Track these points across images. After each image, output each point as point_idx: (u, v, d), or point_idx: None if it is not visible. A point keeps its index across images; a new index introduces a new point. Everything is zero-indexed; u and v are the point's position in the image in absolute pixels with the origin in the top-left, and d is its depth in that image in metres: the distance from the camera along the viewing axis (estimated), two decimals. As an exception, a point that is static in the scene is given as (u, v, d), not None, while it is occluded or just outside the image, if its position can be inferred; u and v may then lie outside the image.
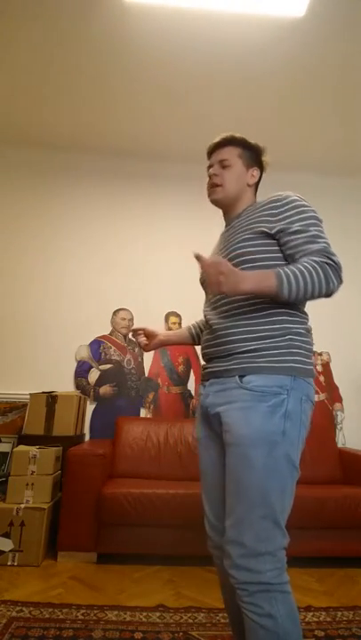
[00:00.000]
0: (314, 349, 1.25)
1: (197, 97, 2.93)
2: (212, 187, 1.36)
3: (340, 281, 1.16)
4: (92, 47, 2.55)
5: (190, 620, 1.76)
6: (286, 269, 1.12)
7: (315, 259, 1.14)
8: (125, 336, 3.41)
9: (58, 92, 2.94)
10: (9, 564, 2.24)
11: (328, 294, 1.16)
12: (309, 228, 1.18)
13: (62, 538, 2.33)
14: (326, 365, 3.50)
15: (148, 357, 3.40)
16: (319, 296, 1.15)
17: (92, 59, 2.64)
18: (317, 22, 2.32)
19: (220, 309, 1.25)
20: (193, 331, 1.56)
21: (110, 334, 3.40)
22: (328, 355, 3.52)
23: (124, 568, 2.27)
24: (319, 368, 3.49)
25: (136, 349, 3.40)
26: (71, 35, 2.47)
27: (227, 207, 1.40)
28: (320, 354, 3.50)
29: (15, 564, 2.24)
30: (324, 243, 1.17)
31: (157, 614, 1.80)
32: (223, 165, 1.36)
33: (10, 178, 3.56)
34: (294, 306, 1.21)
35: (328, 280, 1.13)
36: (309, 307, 1.26)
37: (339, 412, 3.44)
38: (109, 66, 2.69)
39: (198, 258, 1.14)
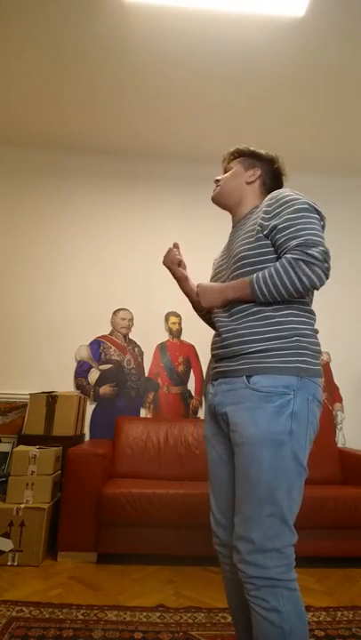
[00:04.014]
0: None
1: (197, 97, 2.93)
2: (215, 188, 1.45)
3: (319, 273, 1.13)
4: (93, 47, 2.55)
5: (190, 620, 1.76)
6: (260, 274, 1.18)
7: (288, 256, 1.14)
8: (125, 336, 3.41)
9: (58, 93, 2.94)
10: (9, 564, 2.24)
11: (309, 288, 1.15)
12: (295, 221, 1.18)
13: (62, 538, 2.33)
14: (326, 365, 3.50)
15: (148, 357, 3.40)
16: (299, 292, 1.15)
17: (93, 59, 2.64)
18: (317, 22, 2.32)
19: (230, 311, 1.26)
20: None
21: (110, 334, 3.40)
22: (328, 355, 3.52)
23: (124, 568, 2.28)
24: (319, 368, 3.48)
25: (136, 349, 3.40)
26: (72, 35, 2.46)
27: (229, 207, 1.44)
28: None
29: (15, 563, 2.24)
30: (306, 235, 1.15)
31: (157, 614, 1.80)
32: (226, 172, 1.47)
33: (10, 179, 3.56)
34: (301, 306, 1.21)
35: (301, 276, 1.12)
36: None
37: (339, 412, 3.44)
38: (109, 66, 2.69)
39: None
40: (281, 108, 2.99)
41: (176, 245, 1.50)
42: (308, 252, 1.12)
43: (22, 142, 3.51)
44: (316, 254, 1.12)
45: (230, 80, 2.77)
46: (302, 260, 1.12)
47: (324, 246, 1.14)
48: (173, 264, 1.48)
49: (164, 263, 1.50)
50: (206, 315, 1.53)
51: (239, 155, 1.45)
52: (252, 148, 1.44)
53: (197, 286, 1.33)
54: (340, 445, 3.28)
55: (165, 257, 1.50)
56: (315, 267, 1.12)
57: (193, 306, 1.54)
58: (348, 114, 3.03)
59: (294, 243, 1.15)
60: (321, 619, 1.82)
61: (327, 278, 1.15)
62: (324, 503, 2.38)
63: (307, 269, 1.12)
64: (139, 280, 3.49)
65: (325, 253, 1.14)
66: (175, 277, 1.50)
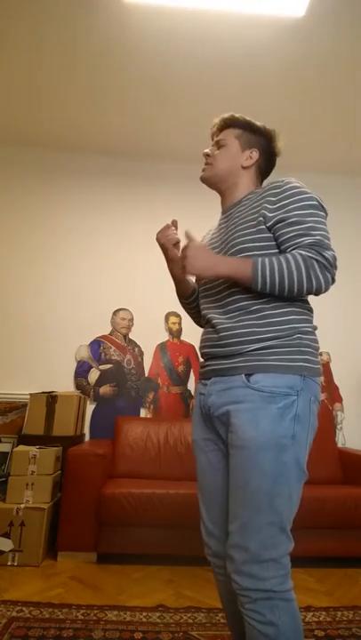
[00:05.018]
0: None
1: (196, 97, 2.92)
2: (205, 166, 1.33)
3: (328, 278, 1.08)
4: (91, 47, 2.55)
5: (190, 620, 1.76)
6: (266, 260, 1.08)
7: (302, 252, 1.07)
8: (125, 336, 3.41)
9: (57, 92, 2.94)
10: (9, 564, 2.24)
11: (313, 292, 1.09)
12: (306, 218, 1.11)
13: (62, 538, 2.33)
14: (326, 365, 3.50)
15: (148, 357, 3.40)
16: (301, 293, 1.09)
17: (91, 59, 2.64)
18: (317, 22, 2.32)
19: (227, 309, 1.18)
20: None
21: (110, 334, 3.40)
22: (328, 355, 3.52)
23: (124, 568, 2.28)
24: (319, 368, 3.48)
25: (136, 349, 3.40)
26: (70, 35, 2.46)
27: (220, 190, 1.33)
28: (320, 354, 3.50)
29: (15, 564, 2.24)
30: (319, 235, 1.09)
31: (157, 614, 1.80)
32: (219, 145, 1.32)
33: (8, 178, 3.55)
34: (301, 303, 1.16)
35: (311, 277, 1.06)
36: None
37: (339, 412, 3.44)
38: (108, 66, 2.69)
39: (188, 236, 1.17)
40: (281, 108, 2.99)
41: (174, 223, 1.37)
42: (324, 254, 1.07)
43: (18, 142, 3.50)
44: (330, 258, 1.08)
45: (230, 80, 2.77)
46: (317, 261, 1.06)
47: (333, 250, 1.10)
48: (170, 242, 1.35)
49: (159, 240, 1.36)
50: (192, 303, 1.44)
51: (232, 124, 1.32)
52: (248, 119, 1.30)
53: (188, 247, 1.13)
54: (340, 445, 3.28)
55: (161, 233, 1.36)
56: (326, 271, 1.07)
57: (177, 292, 1.44)
58: (348, 113, 3.03)
59: (307, 241, 1.08)
60: (321, 619, 1.82)
61: (333, 284, 1.10)
62: (324, 503, 2.38)
63: (319, 272, 1.06)
64: (139, 280, 3.49)
65: (335, 259, 1.10)
66: (167, 257, 1.38)
